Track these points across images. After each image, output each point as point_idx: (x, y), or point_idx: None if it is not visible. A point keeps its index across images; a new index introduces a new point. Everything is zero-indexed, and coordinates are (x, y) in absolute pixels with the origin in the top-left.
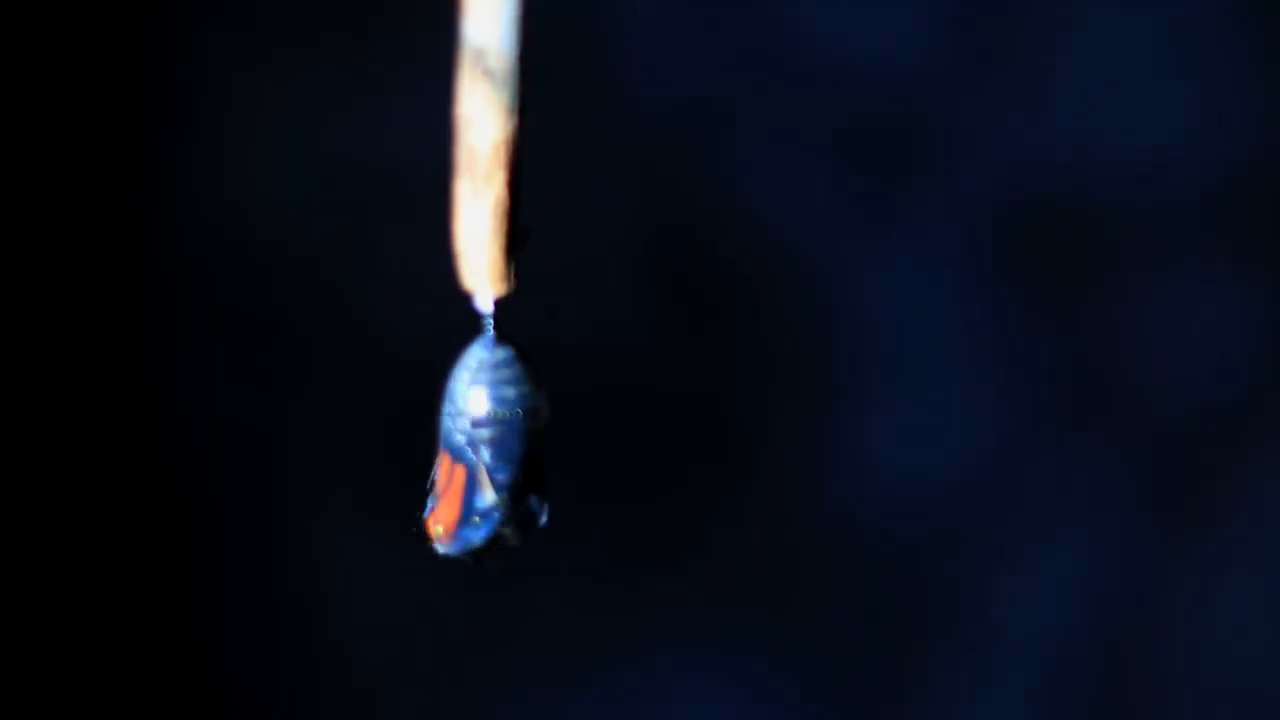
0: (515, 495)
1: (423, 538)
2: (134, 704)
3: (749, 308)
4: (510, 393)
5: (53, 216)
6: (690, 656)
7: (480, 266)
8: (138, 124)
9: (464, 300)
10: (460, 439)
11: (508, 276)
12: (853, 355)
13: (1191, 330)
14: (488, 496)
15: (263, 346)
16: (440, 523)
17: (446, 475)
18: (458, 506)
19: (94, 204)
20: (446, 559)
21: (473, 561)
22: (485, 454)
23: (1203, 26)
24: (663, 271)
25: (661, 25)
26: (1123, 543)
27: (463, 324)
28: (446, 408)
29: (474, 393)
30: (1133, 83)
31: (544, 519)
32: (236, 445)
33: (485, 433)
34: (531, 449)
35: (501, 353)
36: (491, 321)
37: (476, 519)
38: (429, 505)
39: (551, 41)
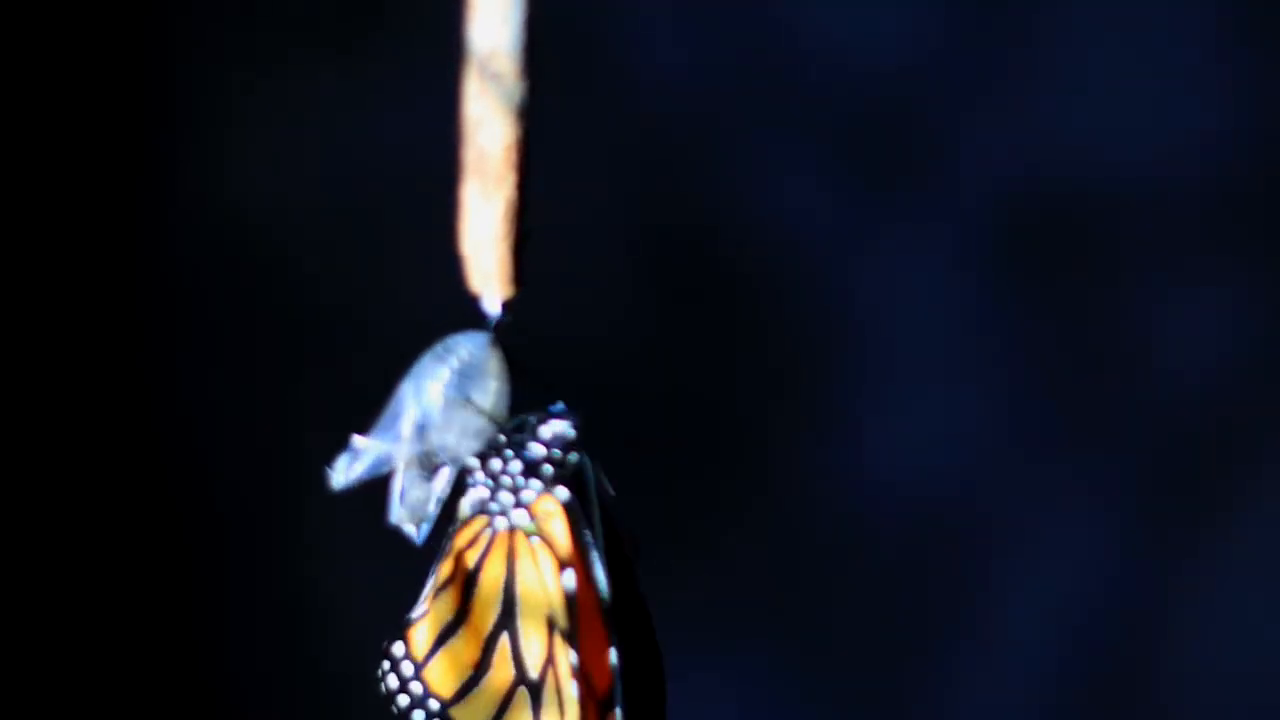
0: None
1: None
2: (134, 704)
3: (749, 308)
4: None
5: (54, 216)
6: (690, 656)
7: (489, 268)
8: (138, 124)
9: (467, 300)
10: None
11: (515, 278)
12: (853, 355)
13: (1192, 329)
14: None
15: (263, 346)
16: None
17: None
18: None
19: (95, 204)
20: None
21: None
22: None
23: (1203, 27)
24: (663, 271)
25: (662, 27)
26: (1124, 542)
27: (464, 323)
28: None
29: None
30: (1133, 83)
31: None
32: (237, 445)
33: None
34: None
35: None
36: (494, 323)
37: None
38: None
39: (552, 43)
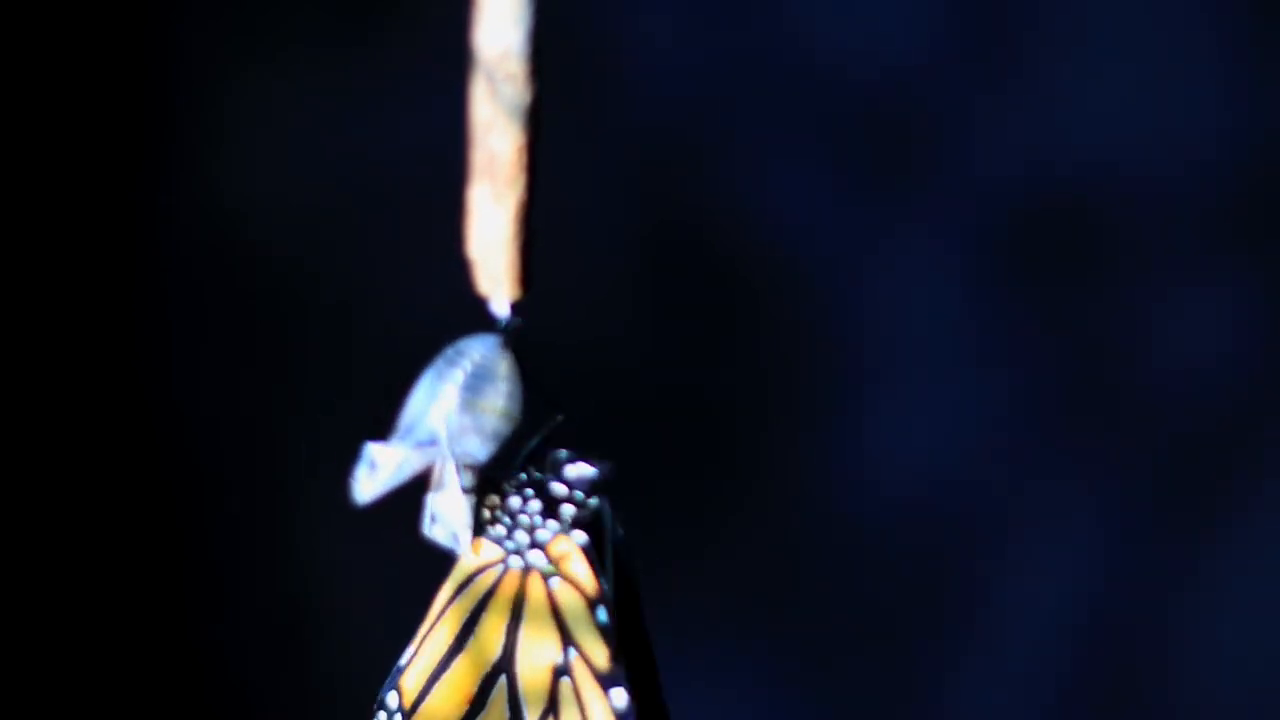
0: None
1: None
2: (134, 704)
3: (749, 308)
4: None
5: (52, 215)
6: (690, 657)
7: (498, 271)
8: (137, 122)
9: (468, 301)
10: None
11: (523, 280)
12: (853, 356)
13: (1193, 330)
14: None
15: (263, 346)
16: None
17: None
18: None
19: (95, 203)
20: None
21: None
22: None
23: (1205, 28)
24: (663, 271)
25: (663, 26)
26: (1125, 543)
27: (467, 325)
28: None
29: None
30: (1134, 84)
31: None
32: (236, 445)
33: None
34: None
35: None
36: (505, 324)
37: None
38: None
39: (552, 44)
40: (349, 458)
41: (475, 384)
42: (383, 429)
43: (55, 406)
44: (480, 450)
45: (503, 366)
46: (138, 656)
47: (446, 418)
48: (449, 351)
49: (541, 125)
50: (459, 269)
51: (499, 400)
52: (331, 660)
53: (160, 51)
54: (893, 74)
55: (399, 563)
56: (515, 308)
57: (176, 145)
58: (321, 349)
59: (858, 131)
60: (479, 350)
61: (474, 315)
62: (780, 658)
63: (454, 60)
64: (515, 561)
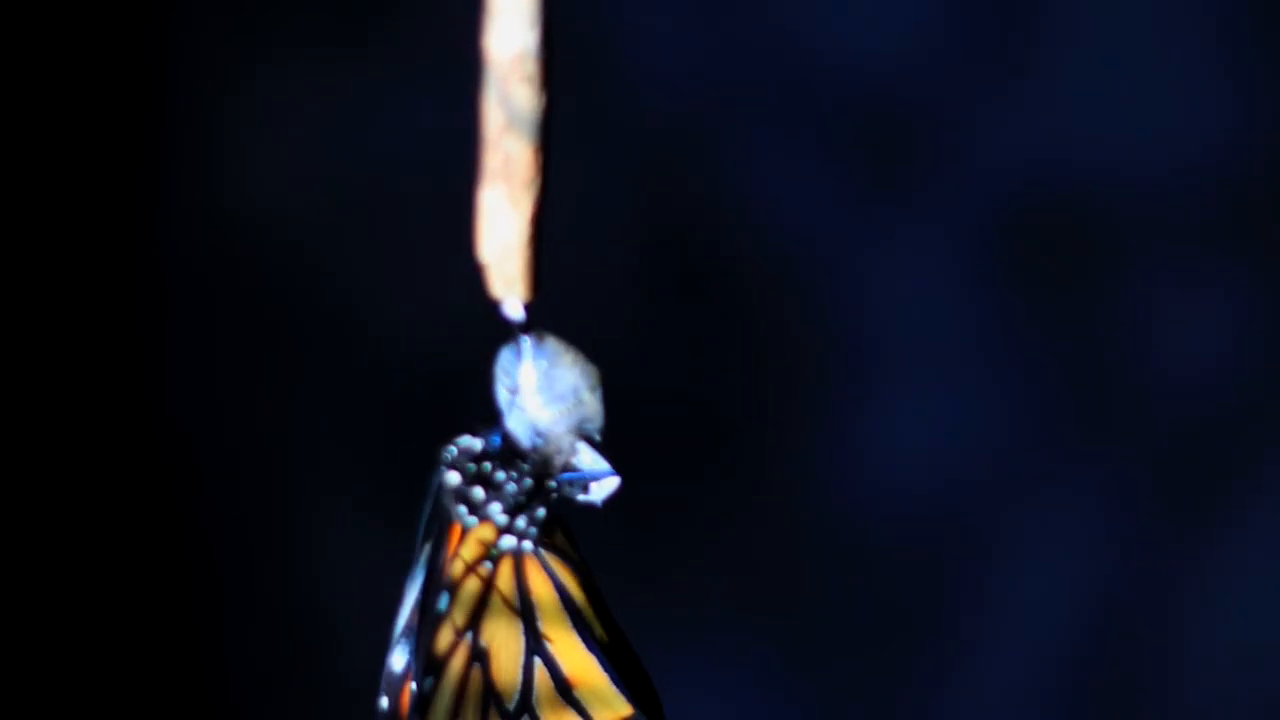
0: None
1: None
2: (134, 704)
3: (750, 308)
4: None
5: (52, 217)
6: (691, 655)
7: (513, 274)
8: (138, 124)
9: (470, 300)
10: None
11: (535, 282)
12: (853, 355)
13: (1193, 330)
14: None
15: (263, 347)
16: None
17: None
18: None
19: (96, 206)
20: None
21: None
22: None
23: (1205, 28)
24: (664, 272)
25: (664, 28)
26: (1127, 542)
27: (459, 324)
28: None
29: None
30: (1133, 84)
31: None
32: (237, 446)
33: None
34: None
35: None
36: (520, 326)
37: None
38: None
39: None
40: (349, 458)
41: (548, 387)
42: (383, 429)
43: (56, 408)
44: (596, 418)
45: (565, 359)
46: (139, 656)
47: (553, 434)
48: (504, 382)
49: (555, 127)
50: (462, 270)
51: (573, 381)
52: (332, 660)
53: (160, 53)
54: (893, 74)
55: (399, 563)
56: (529, 309)
57: (176, 147)
58: (322, 349)
59: (858, 131)
60: (517, 366)
61: (477, 316)
62: (781, 656)
63: (456, 62)
64: (507, 541)
